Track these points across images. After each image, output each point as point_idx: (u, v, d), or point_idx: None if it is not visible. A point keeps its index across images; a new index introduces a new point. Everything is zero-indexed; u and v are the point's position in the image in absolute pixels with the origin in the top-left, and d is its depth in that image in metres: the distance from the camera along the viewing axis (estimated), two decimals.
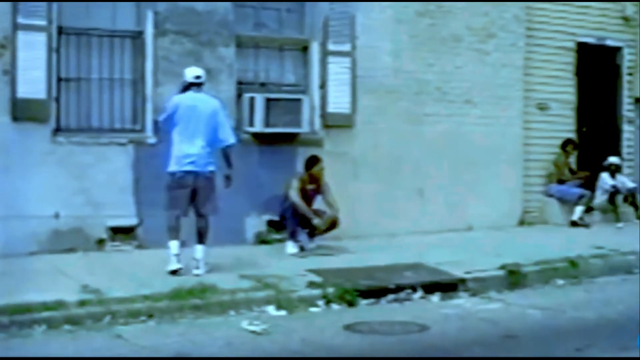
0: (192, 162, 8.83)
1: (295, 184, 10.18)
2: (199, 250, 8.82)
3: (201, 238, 8.90)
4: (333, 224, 10.32)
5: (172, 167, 8.89)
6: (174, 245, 8.76)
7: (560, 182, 13.43)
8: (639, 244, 10.70)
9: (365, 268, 9.26)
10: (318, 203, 10.45)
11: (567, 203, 13.38)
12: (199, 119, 8.88)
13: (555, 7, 13.57)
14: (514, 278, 9.28)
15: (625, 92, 14.61)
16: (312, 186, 10.35)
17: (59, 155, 9.87)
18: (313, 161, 10.36)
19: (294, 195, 10.08)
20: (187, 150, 8.82)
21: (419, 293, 8.62)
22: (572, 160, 13.79)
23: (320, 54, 11.41)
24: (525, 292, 9.10)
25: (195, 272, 8.67)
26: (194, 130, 8.84)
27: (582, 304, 8.48)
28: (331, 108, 11.46)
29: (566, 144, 13.52)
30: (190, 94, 8.98)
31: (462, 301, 8.58)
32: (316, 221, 10.10)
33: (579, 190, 13.30)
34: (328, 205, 10.35)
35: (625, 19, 14.37)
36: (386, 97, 11.88)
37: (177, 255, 8.72)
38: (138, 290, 7.74)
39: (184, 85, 9.10)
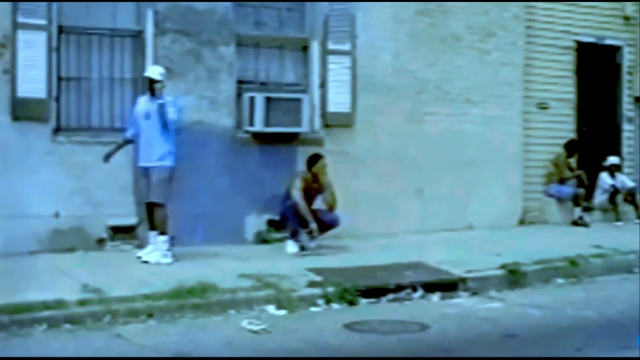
0: (175, 158, 9.37)
1: (298, 184, 10.13)
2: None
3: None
4: (332, 218, 10.32)
5: (171, 161, 9.29)
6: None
7: (561, 181, 13.42)
8: (639, 243, 10.71)
9: (366, 267, 9.27)
10: (319, 203, 10.45)
11: (564, 202, 13.39)
12: None
13: (556, 6, 13.56)
14: (514, 277, 9.29)
15: (625, 91, 14.60)
16: (315, 185, 10.34)
17: (59, 154, 9.87)
18: (315, 159, 10.33)
19: (297, 196, 10.04)
20: (173, 146, 9.32)
21: (419, 292, 8.62)
22: (573, 160, 13.77)
23: (320, 53, 11.41)
24: (525, 291, 9.10)
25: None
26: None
27: (582, 303, 8.48)
28: (331, 107, 11.45)
29: (569, 144, 13.48)
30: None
31: (462, 300, 8.59)
32: (313, 225, 10.03)
33: (572, 189, 13.30)
34: (324, 202, 10.34)
35: (625, 18, 14.36)
36: (386, 96, 11.87)
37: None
38: (138, 290, 7.75)
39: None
